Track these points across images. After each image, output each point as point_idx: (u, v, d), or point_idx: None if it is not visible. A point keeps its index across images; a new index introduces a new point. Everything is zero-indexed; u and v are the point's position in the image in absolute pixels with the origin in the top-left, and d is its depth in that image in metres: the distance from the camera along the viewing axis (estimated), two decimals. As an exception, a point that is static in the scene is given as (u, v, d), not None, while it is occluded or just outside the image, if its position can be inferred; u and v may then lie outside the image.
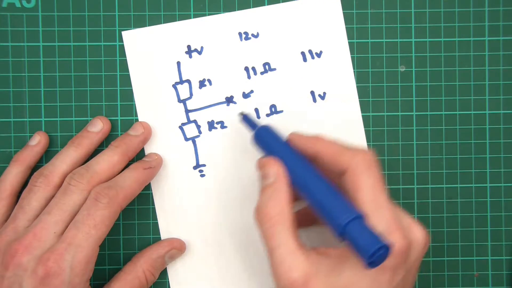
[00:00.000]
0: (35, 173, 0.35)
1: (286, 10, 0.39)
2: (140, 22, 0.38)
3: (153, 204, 0.38)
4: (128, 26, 0.38)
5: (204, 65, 0.39)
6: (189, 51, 0.38)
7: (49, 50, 0.38)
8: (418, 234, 0.30)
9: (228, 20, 0.39)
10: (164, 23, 0.38)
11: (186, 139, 0.38)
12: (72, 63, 0.38)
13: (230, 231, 0.38)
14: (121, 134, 0.38)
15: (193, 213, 0.38)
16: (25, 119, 0.38)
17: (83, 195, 0.33)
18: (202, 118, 0.39)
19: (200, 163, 0.38)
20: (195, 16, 0.39)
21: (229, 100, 0.39)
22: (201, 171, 0.38)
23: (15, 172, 0.36)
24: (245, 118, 0.36)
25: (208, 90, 0.39)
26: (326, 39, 0.39)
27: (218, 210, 0.38)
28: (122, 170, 0.36)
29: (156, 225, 0.38)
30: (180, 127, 0.38)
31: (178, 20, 0.38)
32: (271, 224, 0.30)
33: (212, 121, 0.39)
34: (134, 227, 0.38)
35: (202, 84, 0.38)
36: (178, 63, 0.38)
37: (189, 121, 0.38)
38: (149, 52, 0.38)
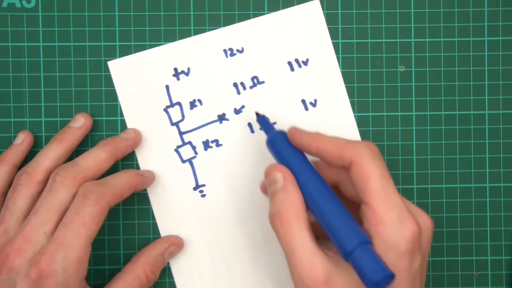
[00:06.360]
0: (18, 172, 0.34)
1: (267, 22, 0.38)
2: (140, 22, 0.38)
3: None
4: (128, 26, 0.38)
5: (193, 86, 0.38)
6: (176, 74, 0.38)
7: (49, 50, 0.38)
8: (425, 219, 0.31)
9: (212, 38, 0.38)
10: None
11: (183, 161, 0.38)
12: (72, 63, 0.38)
13: (237, 246, 0.38)
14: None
15: (198, 234, 0.38)
16: (25, 119, 0.38)
17: (70, 192, 0.33)
18: (197, 138, 0.38)
19: (200, 183, 0.38)
20: (181, 32, 0.38)
21: (222, 117, 0.38)
22: (201, 191, 0.38)
23: (1, 172, 0.36)
24: (261, 120, 0.36)
25: (199, 110, 0.38)
26: (311, 46, 0.38)
27: (223, 228, 0.38)
28: (110, 173, 0.35)
29: (156, 225, 0.38)
30: (176, 150, 0.38)
31: (164, 41, 0.38)
32: (287, 227, 0.30)
33: (207, 140, 0.38)
34: (134, 227, 0.38)
35: (193, 104, 0.38)
36: (167, 87, 0.38)
37: (184, 143, 0.38)
38: (137, 78, 0.38)
